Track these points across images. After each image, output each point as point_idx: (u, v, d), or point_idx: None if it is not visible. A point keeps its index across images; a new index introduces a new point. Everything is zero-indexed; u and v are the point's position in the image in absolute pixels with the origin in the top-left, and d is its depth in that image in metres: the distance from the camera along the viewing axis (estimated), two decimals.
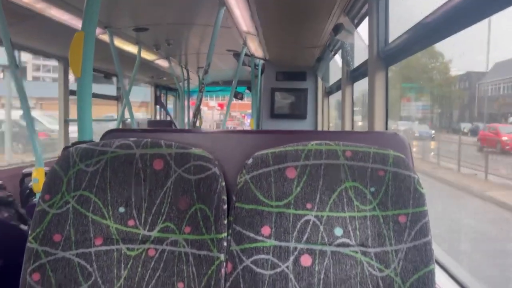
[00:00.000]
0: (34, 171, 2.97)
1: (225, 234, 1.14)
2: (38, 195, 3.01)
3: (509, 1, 1.18)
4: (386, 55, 2.13)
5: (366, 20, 2.40)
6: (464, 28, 1.45)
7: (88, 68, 1.62)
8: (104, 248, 1.14)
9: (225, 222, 1.15)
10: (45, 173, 2.95)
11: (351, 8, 2.69)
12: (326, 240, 1.11)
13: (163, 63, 6.12)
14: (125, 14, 3.70)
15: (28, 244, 1.13)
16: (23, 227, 2.17)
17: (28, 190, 3.39)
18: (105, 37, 3.98)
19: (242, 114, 22.79)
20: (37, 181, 2.92)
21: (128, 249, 1.15)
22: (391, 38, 2.16)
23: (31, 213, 1.19)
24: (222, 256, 1.12)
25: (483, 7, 1.27)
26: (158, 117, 8.69)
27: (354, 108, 3.51)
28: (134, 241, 1.15)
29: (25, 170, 3.56)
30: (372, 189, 1.12)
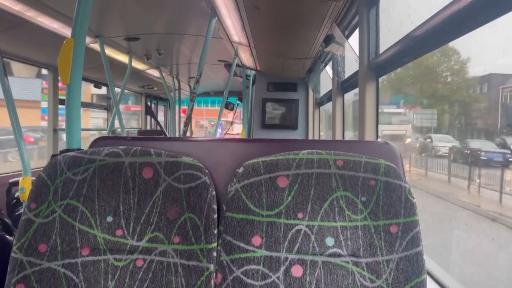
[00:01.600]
0: (21, 180, 2.92)
1: (215, 244, 1.13)
2: (24, 205, 2.96)
3: (496, 13, 1.20)
4: (377, 66, 2.15)
5: (357, 31, 2.42)
6: (453, 39, 1.47)
7: (77, 76, 1.61)
8: (91, 258, 1.12)
9: (215, 232, 1.13)
10: (32, 182, 2.90)
11: (342, 19, 2.71)
12: (317, 250, 1.10)
13: (154, 72, 6.12)
14: (116, 24, 3.69)
15: (12, 254, 1.10)
16: (9, 237, 2.13)
17: (14, 200, 3.33)
18: (96, 46, 3.97)
19: (211, 123, 19.86)
20: (24, 190, 2.87)
21: (115, 259, 1.12)
22: (381, 49, 2.17)
23: (18, 223, 1.17)
24: (212, 267, 1.11)
25: (470, 20, 1.29)
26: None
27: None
28: (122, 251, 1.13)
29: (12, 179, 3.50)
30: (363, 199, 1.12)
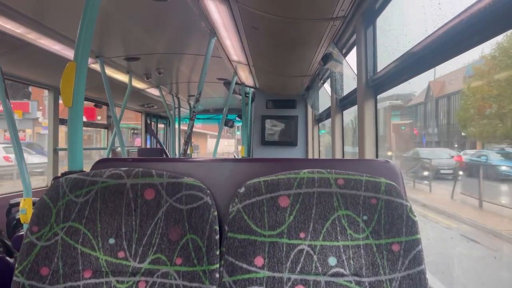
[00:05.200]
0: (22, 202, 2.91)
1: (217, 265, 1.12)
2: (25, 226, 2.95)
3: (490, 34, 1.22)
4: (375, 84, 2.17)
5: (355, 49, 2.45)
6: (450, 58, 1.49)
7: (80, 98, 1.62)
8: (93, 281, 1.11)
9: (217, 252, 1.13)
10: (33, 203, 2.90)
11: (340, 38, 2.75)
12: (320, 270, 1.10)
13: (154, 91, 6.16)
14: (116, 44, 3.73)
15: (14, 278, 1.10)
16: (9, 259, 2.11)
17: (15, 221, 3.31)
18: (96, 67, 4.00)
19: None
20: (25, 211, 2.86)
21: (118, 281, 1.12)
22: (379, 67, 2.20)
23: (18, 244, 1.17)
24: None
25: (466, 39, 1.31)
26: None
27: None
28: (124, 273, 1.13)
29: (13, 200, 3.49)
30: (365, 217, 1.12)
